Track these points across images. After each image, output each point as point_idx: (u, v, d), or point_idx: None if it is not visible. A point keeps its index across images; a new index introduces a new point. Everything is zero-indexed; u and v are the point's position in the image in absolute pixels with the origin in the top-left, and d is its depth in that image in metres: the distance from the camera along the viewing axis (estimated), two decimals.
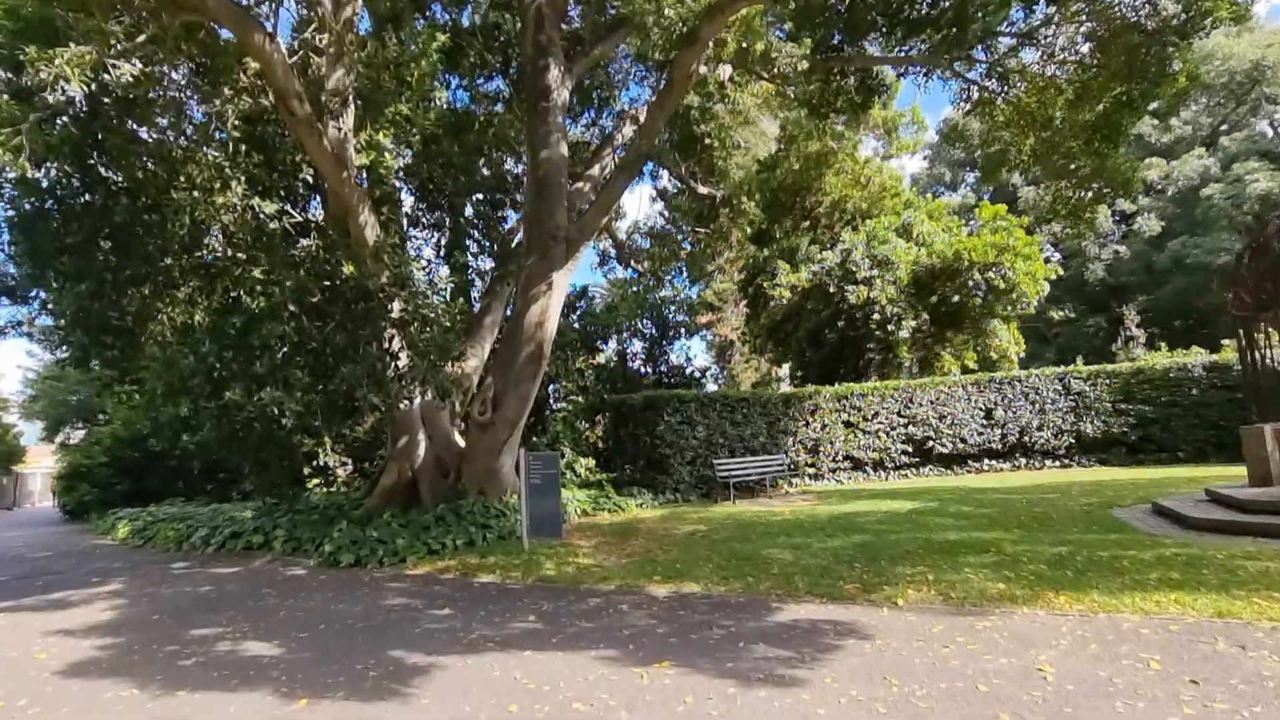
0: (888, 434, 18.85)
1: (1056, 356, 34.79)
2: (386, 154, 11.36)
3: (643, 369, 28.63)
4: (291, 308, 9.50)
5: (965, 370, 24.87)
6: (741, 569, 7.85)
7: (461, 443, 13.18)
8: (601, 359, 27.93)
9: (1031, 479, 16.11)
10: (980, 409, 19.02)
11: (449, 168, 12.33)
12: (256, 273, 10.09)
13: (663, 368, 29.05)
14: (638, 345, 29.15)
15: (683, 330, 29.91)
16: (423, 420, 12.62)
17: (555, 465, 9.45)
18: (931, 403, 19.03)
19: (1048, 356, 34.06)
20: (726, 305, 38.31)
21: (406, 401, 9.99)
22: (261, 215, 10.57)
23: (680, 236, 21.04)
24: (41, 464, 45.05)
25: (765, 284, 22.33)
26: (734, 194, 18.91)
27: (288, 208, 11.31)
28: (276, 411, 9.04)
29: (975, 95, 14.80)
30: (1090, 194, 14.20)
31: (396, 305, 10.28)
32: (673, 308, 29.44)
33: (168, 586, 9.00)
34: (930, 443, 18.94)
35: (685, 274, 27.52)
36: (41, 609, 8.08)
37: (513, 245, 15.69)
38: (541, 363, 11.60)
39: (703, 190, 18.98)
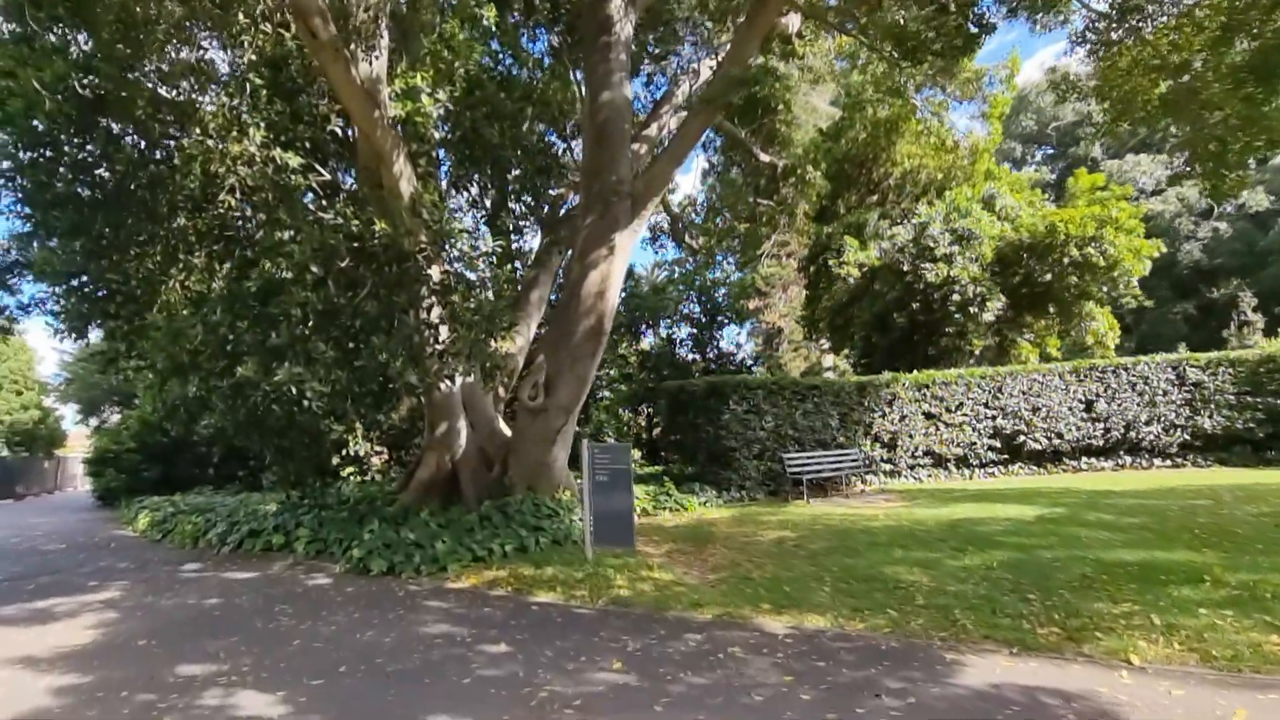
0: (973, 427, 16.87)
1: (1137, 346, 32.11)
2: (425, 98, 9.83)
3: (690, 355, 26.95)
4: (315, 270, 8.03)
5: (1044, 358, 22.67)
6: (871, 596, 6.15)
7: (507, 431, 11.68)
8: (645, 344, 26.34)
9: (1150, 480, 14.03)
10: (1079, 400, 16.92)
11: (494, 117, 10.76)
12: (276, 232, 8.66)
13: (711, 354, 27.32)
14: (684, 330, 27.50)
15: (734, 315, 28.15)
16: (464, 405, 11.14)
17: (626, 459, 7.85)
18: (1024, 393, 16.99)
19: (1128, 346, 31.42)
20: (774, 291, 36.36)
21: (447, 382, 8.49)
22: (283, 169, 9.12)
23: (730, 215, 19.28)
24: (83, 448, 45.18)
25: (832, 262, 20.39)
26: (798, 163, 17.11)
27: (315, 164, 9.87)
28: (296, 391, 7.61)
29: (1091, 38, 12.73)
30: (1240, 147, 12.06)
31: (436, 270, 8.78)
32: (722, 291, 27.68)
33: (170, 596, 7.64)
34: (1021, 437, 16.91)
35: (738, 255, 25.79)
36: (18, 622, 6.76)
37: (560, 214, 14.12)
38: (601, 339, 10.02)
39: (765, 158, 17.22)
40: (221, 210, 9.24)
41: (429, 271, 8.55)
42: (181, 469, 20.50)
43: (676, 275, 27.58)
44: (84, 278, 8.62)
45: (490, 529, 9.19)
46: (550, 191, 13.70)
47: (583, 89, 13.96)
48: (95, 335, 10.04)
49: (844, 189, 21.99)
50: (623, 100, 10.05)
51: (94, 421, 33.45)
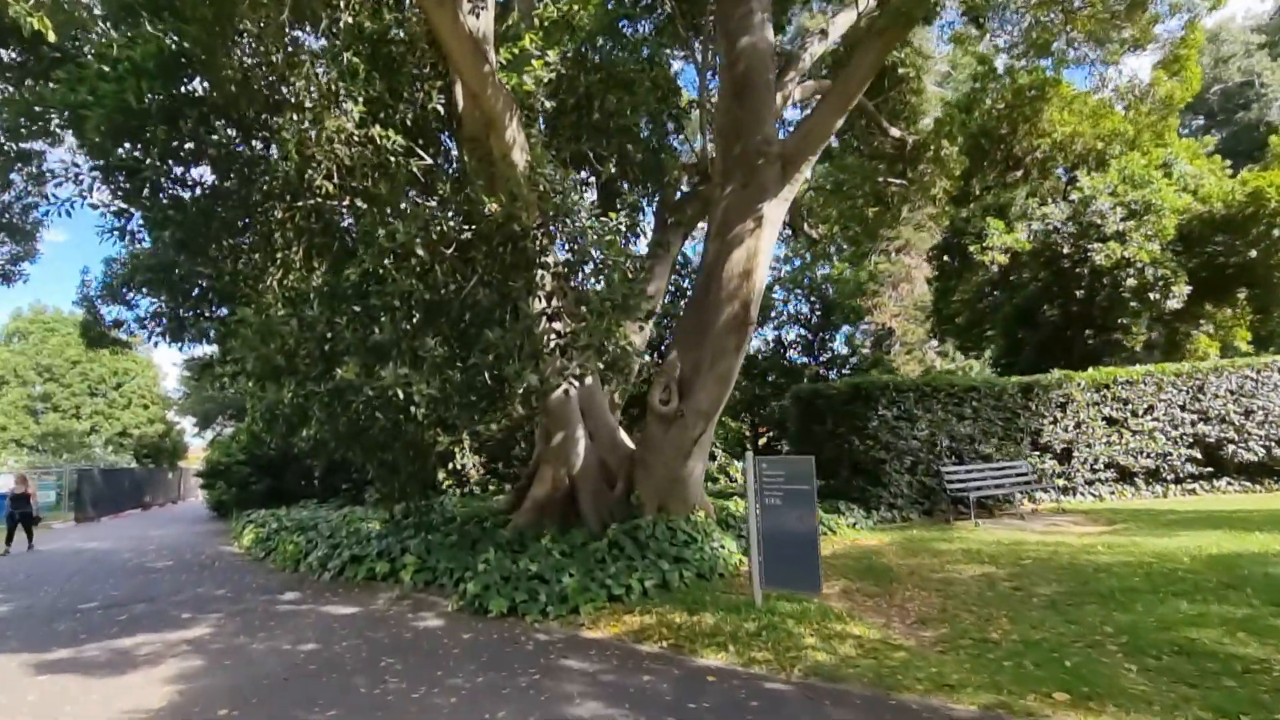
0: (1167, 435, 14.11)
1: None
2: (534, 63, 8.56)
3: (800, 358, 24.81)
4: (420, 254, 6.82)
5: (1227, 352, 19.25)
6: (1216, 681, 4.18)
7: (629, 442, 10.22)
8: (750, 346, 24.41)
9: None
10: None
11: (610, 83, 9.38)
12: (376, 216, 7.56)
13: (824, 358, 25.10)
14: (793, 332, 25.38)
15: (850, 313, 25.88)
16: (581, 412, 9.75)
17: (808, 477, 6.13)
18: (1231, 392, 14.08)
19: None
20: (883, 288, 33.64)
21: (572, 383, 7.09)
22: (383, 149, 8.04)
23: (857, 199, 17.22)
24: (201, 460, 47.56)
25: (972, 248, 17.93)
26: (929, 139, 14.99)
27: (415, 147, 8.78)
28: (403, 396, 6.38)
29: None
30: None
31: (554, 253, 7.43)
32: (833, 288, 25.43)
33: (263, 638, 6.53)
34: (1229, 447, 14.00)
35: (851, 247, 23.53)
36: (96, 668, 5.76)
37: (677, 198, 12.60)
38: (747, 330, 8.38)
39: (895, 133, 15.19)
40: (319, 197, 8.26)
41: (547, 252, 7.19)
42: (289, 482, 20.29)
43: (783, 273, 25.58)
44: (177, 273, 7.81)
45: (623, 559, 7.69)
46: (664, 170, 12.21)
47: (700, 54, 12.47)
48: (195, 344, 9.38)
49: (978, 167, 19.44)
50: (766, 46, 8.42)
51: (210, 434, 34.77)
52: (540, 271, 7.05)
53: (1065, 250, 16.92)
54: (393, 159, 8.12)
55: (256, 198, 8.24)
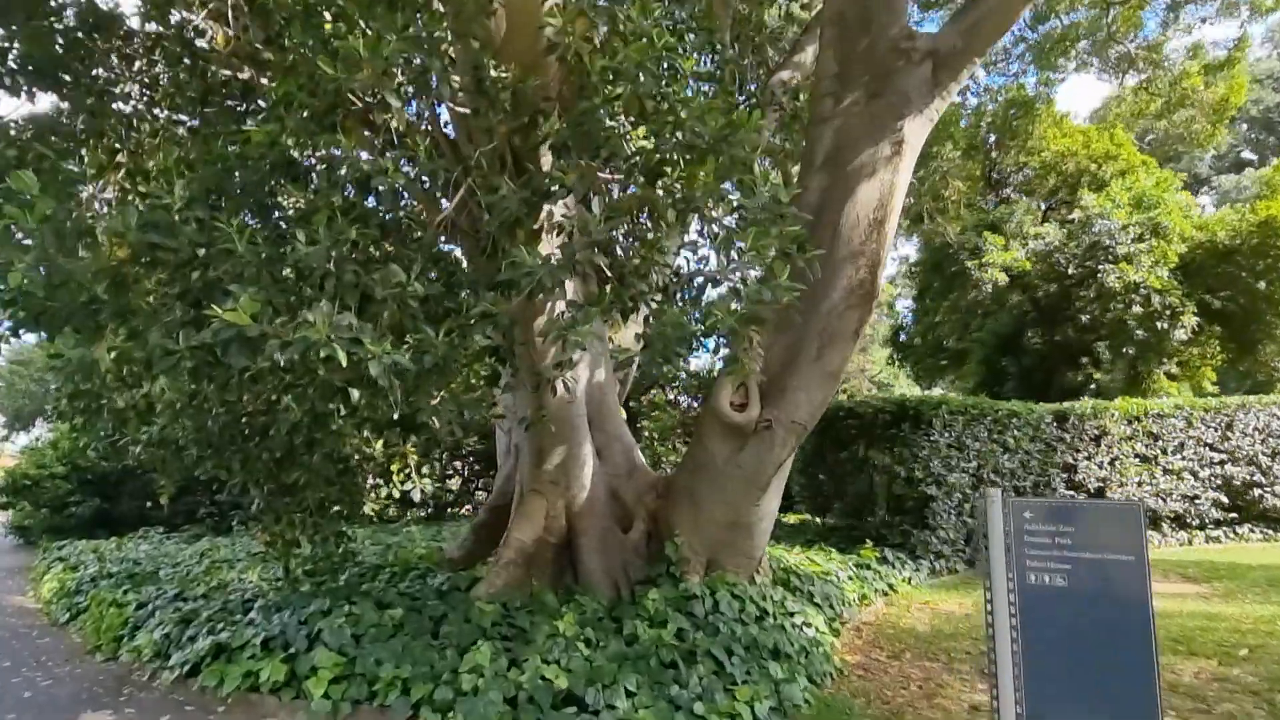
0: (1195, 475, 12.73)
1: None
2: None
3: None
4: (393, 101, 3.69)
5: (1196, 392, 18.75)
6: None
7: (644, 464, 7.25)
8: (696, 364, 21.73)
9: None
10: None
11: None
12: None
13: None
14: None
15: None
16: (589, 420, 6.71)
17: (1134, 535, 3.41)
18: (1258, 430, 12.92)
19: None
20: None
21: (571, 376, 4.16)
22: None
23: None
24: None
25: (970, 264, 16.34)
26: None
27: None
28: (342, 363, 3.20)
29: None
30: None
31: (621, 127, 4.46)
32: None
33: None
34: (1256, 491, 12.80)
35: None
36: None
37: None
38: (871, 305, 5.71)
39: None
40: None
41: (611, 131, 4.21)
42: (124, 503, 15.55)
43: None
44: None
45: (696, 657, 4.69)
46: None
47: None
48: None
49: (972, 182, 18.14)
50: None
51: (25, 438, 28.05)
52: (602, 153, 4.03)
53: (1070, 271, 15.61)
54: None
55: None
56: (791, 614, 5.93)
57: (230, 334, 3.49)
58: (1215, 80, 13.18)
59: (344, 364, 3.43)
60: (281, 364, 3.54)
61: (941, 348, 20.90)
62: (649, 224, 4.04)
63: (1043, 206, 18.71)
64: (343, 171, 3.81)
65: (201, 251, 4.12)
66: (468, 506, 16.75)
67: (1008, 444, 11.12)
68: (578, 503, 6.59)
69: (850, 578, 7.60)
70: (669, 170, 4.16)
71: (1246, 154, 35.42)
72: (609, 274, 4.48)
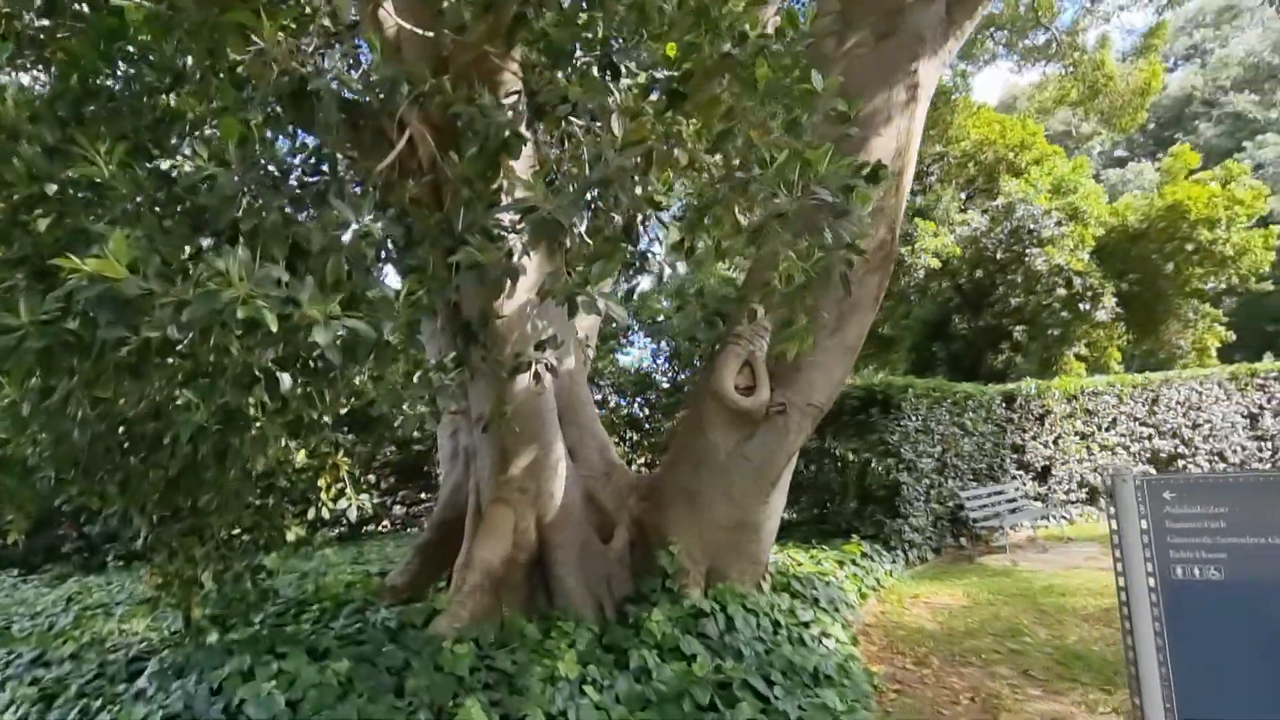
0: (1127, 449, 13.13)
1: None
2: None
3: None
4: None
5: (1094, 371, 19.73)
6: None
7: (618, 460, 6.35)
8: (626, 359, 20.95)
9: None
10: (1241, 415, 13.62)
11: None
12: None
13: (685, 375, 22.42)
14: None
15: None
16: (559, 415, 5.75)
17: None
18: (1180, 404, 13.47)
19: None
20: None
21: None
22: None
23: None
24: None
25: (904, 250, 16.36)
26: None
27: None
28: (249, 327, 2.17)
29: None
30: None
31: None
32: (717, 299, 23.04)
33: None
34: (1180, 462, 13.35)
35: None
36: None
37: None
38: (889, 266, 5.05)
39: None
40: None
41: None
42: None
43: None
44: None
45: (729, 700, 3.86)
46: None
47: None
48: None
49: None
50: None
51: None
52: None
53: (998, 255, 15.90)
54: None
55: None
56: (806, 624, 5.21)
57: (97, 293, 2.37)
58: (1131, 68, 13.71)
59: (274, 331, 2.37)
60: (176, 337, 2.45)
61: (874, 334, 21.07)
62: (646, 164, 3.12)
63: (963, 195, 19.11)
64: (266, 68, 2.71)
65: (53, 188, 2.93)
66: (384, 523, 15.29)
67: (965, 426, 10.96)
68: (551, 512, 5.61)
69: (848, 576, 6.99)
70: (695, 88, 3.29)
71: (1120, 152, 38.42)
72: (610, 222, 3.57)
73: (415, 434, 15.99)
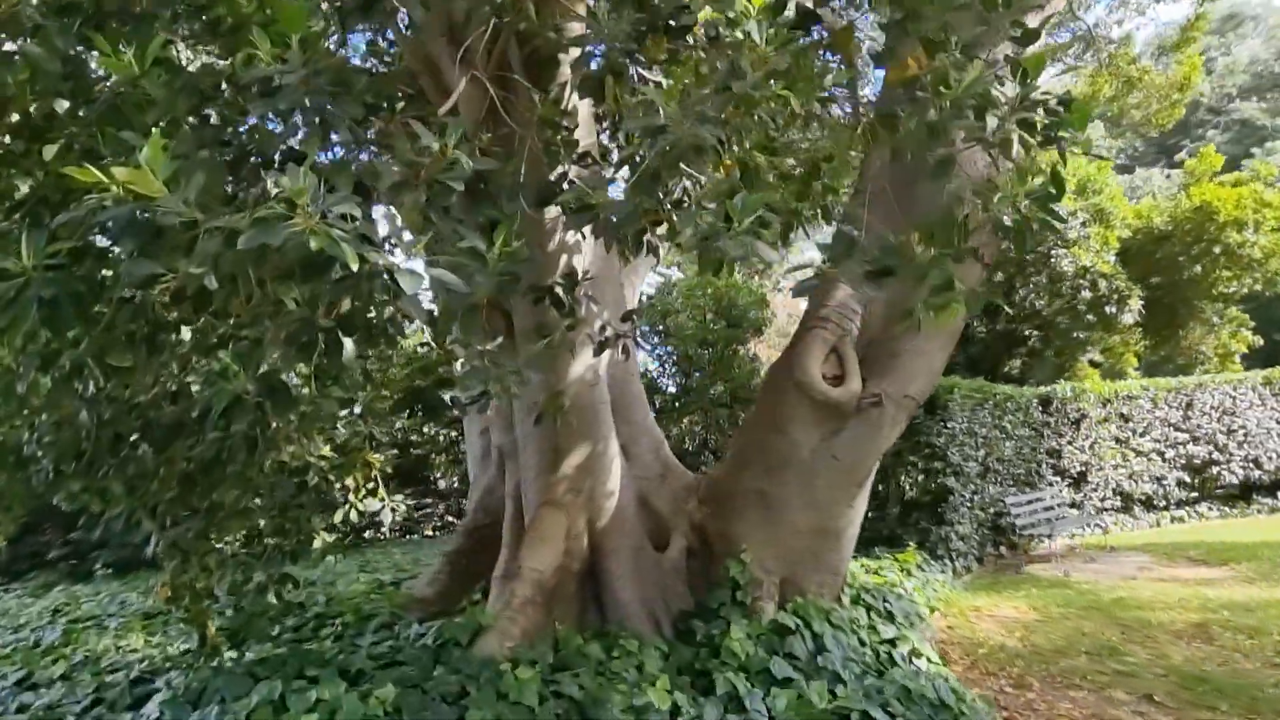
0: (1162, 455, 12.69)
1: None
2: None
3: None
4: None
5: (1109, 376, 19.36)
6: None
7: (674, 460, 5.78)
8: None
9: None
10: (1276, 419, 13.24)
11: None
12: None
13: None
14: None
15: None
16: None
17: None
18: (1214, 409, 13.07)
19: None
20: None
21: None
22: None
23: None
24: None
25: None
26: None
27: None
28: (314, 263, 1.63)
29: None
30: None
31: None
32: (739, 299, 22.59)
33: None
34: (1214, 469, 12.92)
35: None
36: None
37: None
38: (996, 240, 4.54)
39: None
40: None
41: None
42: None
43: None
44: None
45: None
46: None
47: None
48: None
49: None
50: None
51: None
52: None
53: (1029, 257, 15.49)
54: None
55: None
56: (892, 641, 4.65)
57: (126, 214, 1.80)
58: (1169, 61, 13.40)
59: (353, 271, 1.81)
60: (217, 284, 1.89)
61: None
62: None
63: None
64: None
65: (64, 106, 2.38)
66: (383, 529, 14.67)
67: (1006, 429, 10.48)
68: (605, 516, 5.05)
69: (916, 588, 6.45)
70: None
71: (1122, 160, 38.46)
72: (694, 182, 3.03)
73: (415, 436, 15.43)
